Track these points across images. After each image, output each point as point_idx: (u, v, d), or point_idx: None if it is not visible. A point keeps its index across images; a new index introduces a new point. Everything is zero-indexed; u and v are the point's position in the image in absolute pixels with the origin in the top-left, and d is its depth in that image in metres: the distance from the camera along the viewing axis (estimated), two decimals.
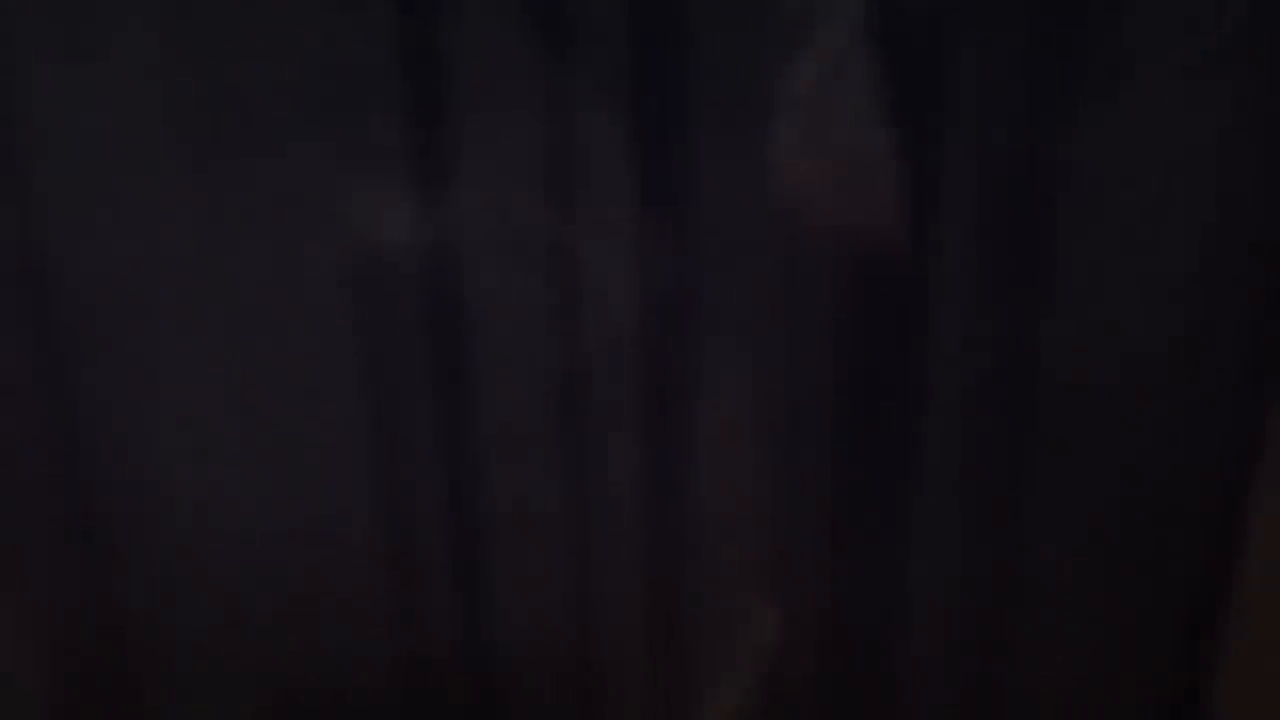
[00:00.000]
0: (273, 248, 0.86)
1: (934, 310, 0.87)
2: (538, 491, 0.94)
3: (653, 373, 0.90)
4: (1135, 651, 0.98)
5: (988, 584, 0.96)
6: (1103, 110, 0.80)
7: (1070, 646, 0.98)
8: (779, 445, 0.93)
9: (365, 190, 0.85)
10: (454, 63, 0.81)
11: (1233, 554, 0.93)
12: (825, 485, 0.94)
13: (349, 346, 0.90)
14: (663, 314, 0.88)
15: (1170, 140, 0.81)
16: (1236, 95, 0.80)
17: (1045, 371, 0.89)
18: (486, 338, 0.89)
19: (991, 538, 0.94)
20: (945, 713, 1.01)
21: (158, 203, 0.85)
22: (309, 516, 0.95)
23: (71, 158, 0.84)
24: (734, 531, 0.95)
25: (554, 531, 0.95)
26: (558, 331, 0.89)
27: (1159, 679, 0.99)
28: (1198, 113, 0.81)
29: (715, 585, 0.97)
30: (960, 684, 1.00)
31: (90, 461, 0.94)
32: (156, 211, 0.85)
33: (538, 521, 0.95)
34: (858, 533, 0.95)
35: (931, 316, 0.87)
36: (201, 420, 0.92)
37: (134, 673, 1.02)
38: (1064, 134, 0.81)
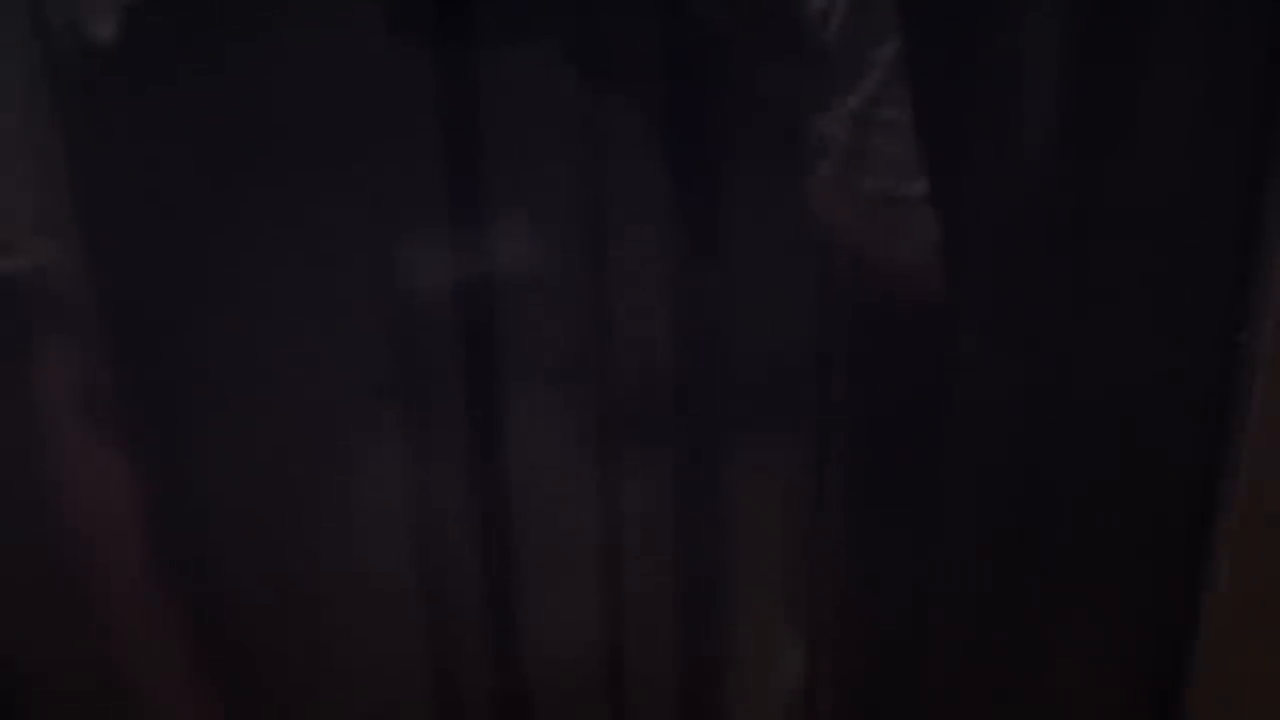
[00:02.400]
0: (310, 291, 0.87)
1: (958, 347, 0.88)
2: (570, 527, 0.94)
3: (684, 410, 0.91)
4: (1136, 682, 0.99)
5: (1012, 615, 0.97)
6: (1132, 153, 0.81)
7: (1086, 670, 0.99)
8: (808, 480, 0.94)
9: (402, 233, 0.86)
10: (491, 105, 0.82)
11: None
12: (852, 519, 0.95)
13: (384, 384, 0.90)
14: (695, 352, 0.89)
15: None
16: None
17: (1068, 403, 0.89)
18: (522, 376, 0.90)
19: (1017, 568, 0.95)
20: None
21: (194, 248, 0.86)
22: (341, 555, 0.95)
23: None
24: (764, 566, 0.96)
25: (586, 567, 0.96)
26: (592, 370, 0.90)
27: None
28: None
29: (745, 622, 0.98)
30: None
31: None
32: (193, 256, 0.86)
33: (569, 557, 0.95)
34: (883, 566, 0.96)
35: (956, 353, 0.88)
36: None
37: None
38: (1093, 175, 0.82)
